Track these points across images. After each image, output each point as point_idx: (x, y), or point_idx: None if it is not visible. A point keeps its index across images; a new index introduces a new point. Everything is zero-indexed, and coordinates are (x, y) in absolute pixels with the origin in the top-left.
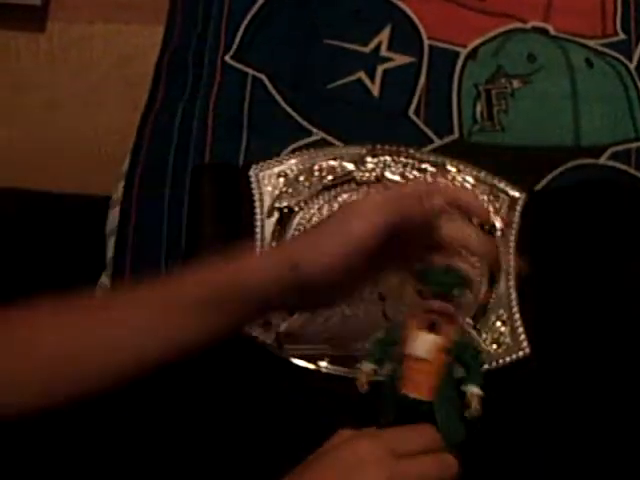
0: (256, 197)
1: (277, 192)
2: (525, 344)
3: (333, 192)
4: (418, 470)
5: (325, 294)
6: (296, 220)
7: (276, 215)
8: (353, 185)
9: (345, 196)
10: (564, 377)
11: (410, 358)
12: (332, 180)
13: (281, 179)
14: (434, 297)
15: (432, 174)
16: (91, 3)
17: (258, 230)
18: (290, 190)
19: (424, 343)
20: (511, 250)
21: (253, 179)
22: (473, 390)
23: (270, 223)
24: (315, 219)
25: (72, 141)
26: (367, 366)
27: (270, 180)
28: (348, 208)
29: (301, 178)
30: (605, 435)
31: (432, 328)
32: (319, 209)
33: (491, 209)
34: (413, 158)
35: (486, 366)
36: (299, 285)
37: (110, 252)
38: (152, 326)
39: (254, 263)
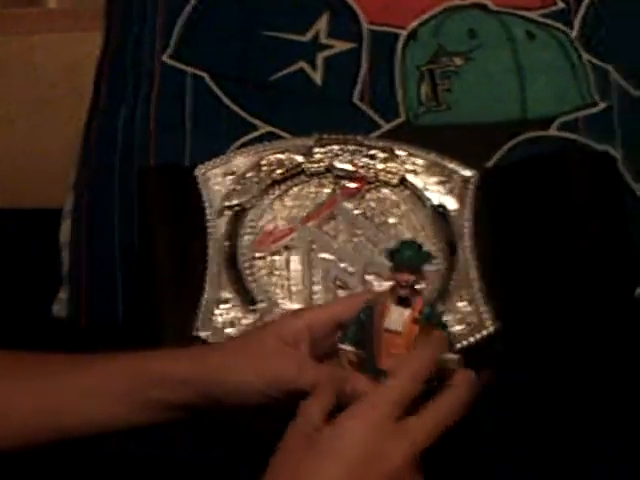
0: (205, 197)
1: (226, 191)
2: (489, 322)
3: (283, 186)
4: (431, 418)
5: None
6: (248, 217)
7: (227, 214)
8: (303, 177)
9: (296, 189)
10: (530, 352)
11: (386, 332)
12: (281, 174)
13: (229, 177)
14: (403, 271)
15: (382, 160)
16: (29, 14)
17: (211, 231)
18: (239, 188)
19: (396, 316)
20: (468, 229)
21: (200, 179)
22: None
23: (222, 223)
24: (267, 216)
25: (25, 155)
26: (347, 347)
27: (217, 179)
28: (271, 337)
29: (249, 174)
30: (574, 414)
31: (404, 302)
32: (270, 205)
33: (445, 190)
34: (361, 145)
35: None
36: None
37: (65, 265)
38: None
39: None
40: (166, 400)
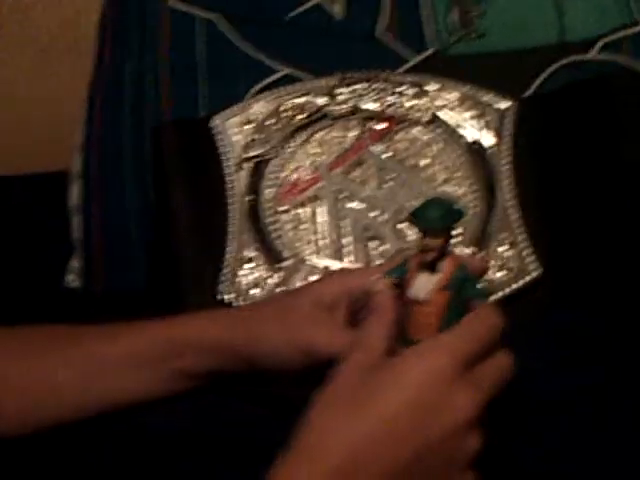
0: (222, 150)
1: (244, 141)
2: (534, 266)
3: (306, 132)
4: (492, 372)
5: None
6: (269, 169)
7: (247, 167)
8: (327, 121)
9: (319, 135)
10: (582, 295)
11: (413, 302)
12: (303, 119)
13: (247, 127)
14: (429, 235)
15: (411, 97)
16: None
17: (230, 186)
18: (258, 137)
19: (423, 284)
20: (507, 166)
21: (216, 131)
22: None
23: (242, 176)
24: (290, 166)
25: (25, 116)
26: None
27: (235, 129)
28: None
29: (269, 122)
30: (627, 355)
31: (431, 267)
32: (293, 153)
33: (480, 125)
34: (388, 82)
35: (493, 297)
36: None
37: (76, 232)
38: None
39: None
40: (190, 368)
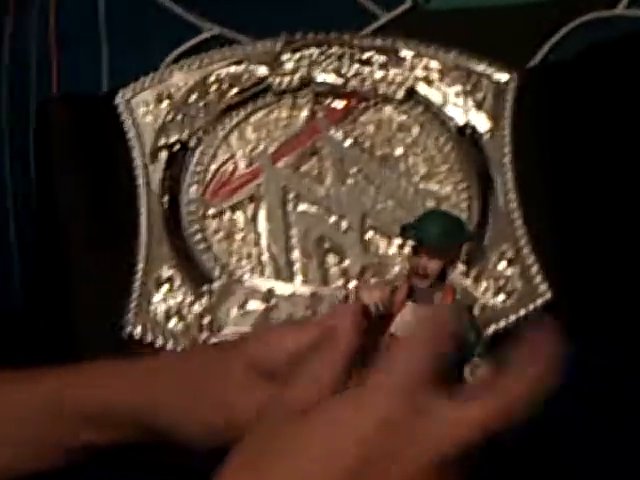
0: (131, 134)
1: (160, 123)
2: (544, 287)
3: (242, 111)
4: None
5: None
6: (194, 159)
7: (163, 157)
8: (269, 97)
9: (260, 115)
10: (597, 322)
11: (394, 339)
12: (238, 94)
13: (164, 104)
14: (427, 255)
15: (381, 65)
16: None
17: (141, 182)
18: (179, 117)
19: (410, 317)
20: (507, 157)
21: (123, 109)
22: (474, 363)
23: (156, 169)
24: (221, 155)
25: None
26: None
27: (148, 107)
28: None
29: (193, 98)
30: None
31: (424, 297)
32: (225, 139)
33: (472, 102)
34: (351, 46)
35: (493, 327)
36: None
37: None
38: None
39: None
40: (90, 442)
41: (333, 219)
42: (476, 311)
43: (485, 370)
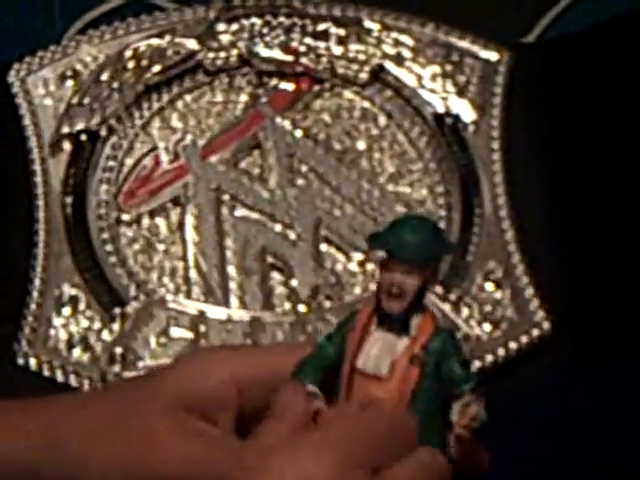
0: (27, 121)
1: (64, 107)
2: (541, 315)
3: (167, 94)
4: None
5: None
6: (105, 152)
7: (67, 148)
8: (201, 77)
9: (189, 99)
10: (609, 360)
11: (360, 375)
12: (161, 72)
13: (68, 83)
14: (399, 270)
15: (340, 39)
16: None
17: (38, 179)
18: (87, 101)
19: (381, 351)
20: (496, 154)
21: (17, 90)
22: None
23: (59, 164)
24: (140, 147)
25: None
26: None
27: (48, 88)
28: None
29: (105, 76)
30: None
31: (396, 325)
32: (144, 127)
33: (454, 87)
34: (302, 15)
35: (477, 364)
36: None
37: None
38: None
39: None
40: None
41: (279, 228)
42: None
43: (477, 409)
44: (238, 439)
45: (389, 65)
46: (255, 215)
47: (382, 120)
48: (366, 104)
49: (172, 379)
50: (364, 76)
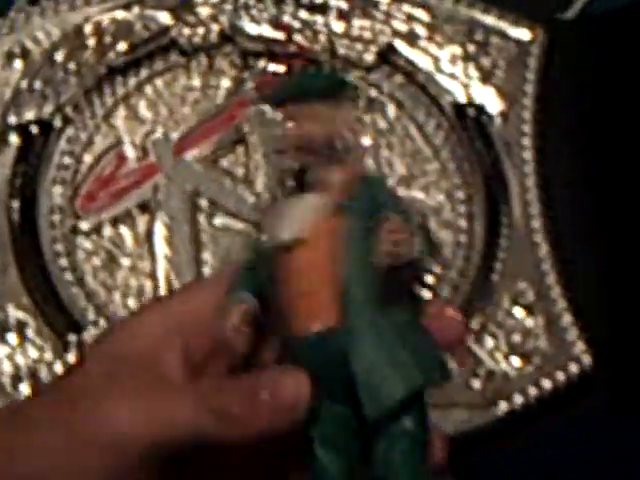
0: None
1: (11, 93)
2: (581, 347)
3: (134, 77)
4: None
5: None
6: (60, 145)
7: (15, 141)
8: (175, 57)
9: (160, 83)
10: None
11: (281, 253)
12: (128, 51)
13: (16, 64)
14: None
15: (340, 14)
16: None
17: None
18: (39, 85)
19: (293, 216)
20: (527, 152)
21: None
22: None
23: (4, 159)
24: (102, 140)
25: None
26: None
27: None
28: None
29: (60, 56)
30: None
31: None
32: (108, 117)
33: (478, 72)
34: None
35: (504, 405)
36: None
37: None
38: None
39: None
40: None
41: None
42: (478, 384)
43: (404, 230)
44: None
45: (400, 45)
46: (238, 224)
47: (391, 111)
48: (372, 91)
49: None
50: (370, 58)
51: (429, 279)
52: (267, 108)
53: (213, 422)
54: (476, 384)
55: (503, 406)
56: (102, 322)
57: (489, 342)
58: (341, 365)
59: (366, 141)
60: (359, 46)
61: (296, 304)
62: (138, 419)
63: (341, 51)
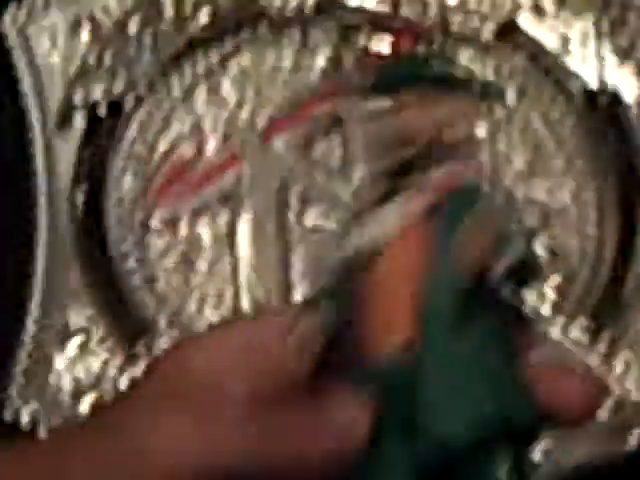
0: (27, 85)
1: (76, 68)
2: None
3: (217, 52)
4: None
5: None
6: (132, 131)
7: (79, 124)
8: (264, 30)
9: (247, 59)
10: None
11: (362, 262)
12: (211, 23)
13: (83, 35)
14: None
15: None
16: None
17: (39, 164)
18: (108, 59)
19: (381, 218)
20: None
21: (14, 43)
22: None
23: (68, 144)
24: (178, 123)
25: None
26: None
27: (56, 41)
28: None
29: (133, 27)
30: None
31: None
32: (185, 98)
33: (612, 46)
34: None
35: (634, 439)
36: None
37: None
38: None
39: None
40: None
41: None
42: (604, 414)
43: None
44: None
45: (522, 20)
46: (331, 224)
47: (511, 97)
48: (489, 74)
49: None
50: (487, 35)
51: (549, 293)
52: (368, 93)
53: (268, 454)
54: (602, 414)
55: (633, 440)
56: (174, 331)
57: (619, 365)
58: (409, 392)
59: (480, 132)
60: (475, 21)
61: (372, 318)
62: (189, 449)
63: (454, 27)
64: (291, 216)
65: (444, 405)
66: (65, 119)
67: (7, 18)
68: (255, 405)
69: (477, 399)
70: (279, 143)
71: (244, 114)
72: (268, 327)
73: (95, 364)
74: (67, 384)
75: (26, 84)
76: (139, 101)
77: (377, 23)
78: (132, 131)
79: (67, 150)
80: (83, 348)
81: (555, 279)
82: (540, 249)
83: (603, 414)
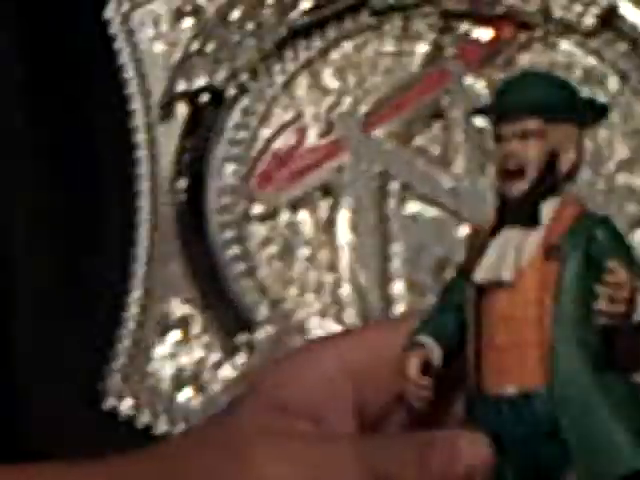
0: (130, 73)
1: (179, 56)
2: None
3: (319, 41)
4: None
5: None
6: (234, 119)
7: (182, 112)
8: (366, 17)
9: (348, 47)
10: None
11: (487, 297)
12: (313, 10)
13: (186, 23)
14: (511, 136)
15: None
16: None
17: (141, 153)
18: (211, 48)
19: (499, 252)
20: None
21: (117, 30)
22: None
23: (170, 132)
24: (279, 112)
25: None
26: (424, 340)
27: (159, 29)
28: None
29: (235, 15)
30: None
31: (523, 215)
32: (287, 87)
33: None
34: None
35: None
36: None
37: None
38: None
39: None
40: None
41: (464, 230)
42: None
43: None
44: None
45: (625, 7)
46: (432, 211)
47: (613, 83)
48: (591, 60)
49: (265, 382)
50: (590, 21)
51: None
52: (469, 80)
53: None
54: None
55: None
56: (276, 320)
57: None
58: (539, 436)
59: None
60: (578, 7)
61: (488, 356)
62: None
63: (557, 13)
64: (392, 204)
65: (597, 443)
66: (168, 107)
67: (111, 5)
68: (364, 429)
69: (622, 441)
70: (380, 132)
71: (345, 103)
72: (376, 337)
73: (195, 355)
74: (167, 375)
75: (129, 71)
76: (241, 90)
77: (479, 9)
78: (234, 120)
79: (169, 139)
80: (183, 338)
81: None
82: None
83: None
